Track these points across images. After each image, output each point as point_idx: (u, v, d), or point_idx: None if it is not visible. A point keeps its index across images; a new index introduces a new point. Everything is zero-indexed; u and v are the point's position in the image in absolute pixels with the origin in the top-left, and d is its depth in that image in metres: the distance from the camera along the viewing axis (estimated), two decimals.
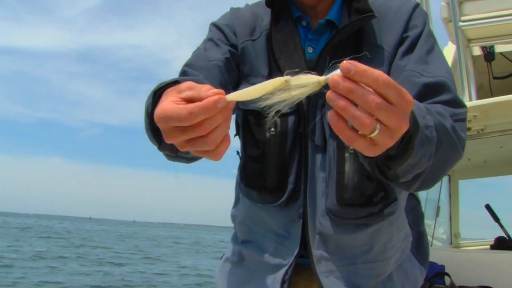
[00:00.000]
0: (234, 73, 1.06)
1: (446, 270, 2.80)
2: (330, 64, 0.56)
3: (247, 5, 1.17)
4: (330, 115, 0.56)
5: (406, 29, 1.00)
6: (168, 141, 0.60)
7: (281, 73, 1.00)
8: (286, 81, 0.57)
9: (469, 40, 2.76)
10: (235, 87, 1.06)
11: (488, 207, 3.70)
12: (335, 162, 0.97)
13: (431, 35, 1.00)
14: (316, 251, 1.00)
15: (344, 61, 0.53)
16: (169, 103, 0.58)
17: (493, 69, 3.12)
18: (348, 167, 0.96)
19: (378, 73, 0.54)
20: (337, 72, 0.54)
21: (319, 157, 0.99)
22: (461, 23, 2.64)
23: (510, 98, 2.34)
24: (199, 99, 0.57)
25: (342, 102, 0.54)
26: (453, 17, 2.66)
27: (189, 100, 0.58)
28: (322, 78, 0.56)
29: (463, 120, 0.88)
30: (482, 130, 2.74)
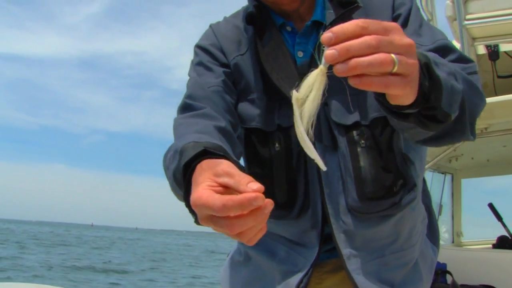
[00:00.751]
0: (234, 93, 1.04)
1: (448, 269, 2.81)
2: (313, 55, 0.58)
3: (225, 18, 1.13)
4: (351, 81, 0.56)
5: (394, 9, 1.00)
6: (203, 224, 0.60)
7: (274, 86, 0.99)
8: (297, 99, 0.57)
9: (473, 39, 2.76)
10: (236, 105, 1.04)
11: (491, 206, 3.70)
12: (349, 158, 0.97)
13: (418, 10, 1.01)
14: (345, 250, 0.99)
15: (322, 35, 0.55)
16: (206, 191, 0.57)
17: (497, 68, 3.11)
18: (363, 161, 0.96)
19: (352, 22, 0.55)
20: (326, 49, 0.56)
21: (330, 157, 0.98)
22: (466, 22, 2.63)
23: None
24: (237, 191, 0.56)
25: (351, 63, 0.54)
26: (458, 16, 2.66)
27: (226, 187, 0.58)
28: (321, 67, 0.58)
29: (475, 72, 0.88)
30: (486, 129, 2.74)
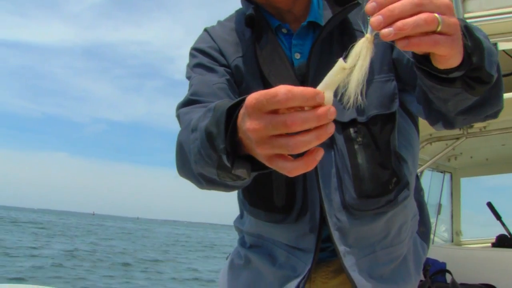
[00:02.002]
0: (237, 93, 1.01)
1: (448, 268, 2.80)
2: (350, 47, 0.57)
3: (219, 22, 1.12)
4: (400, 43, 0.56)
5: None
6: (259, 149, 0.57)
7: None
8: (343, 68, 0.56)
9: None
10: None
11: (489, 205, 3.70)
12: (346, 155, 0.97)
13: None
14: (340, 247, 0.99)
15: (366, 6, 0.56)
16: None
17: None
18: (360, 159, 0.96)
19: None
20: (371, 19, 0.56)
21: (325, 153, 0.97)
22: None
23: None
24: None
25: (397, 25, 0.54)
26: (456, 14, 2.64)
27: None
28: (367, 35, 0.57)
29: None
30: (484, 127, 2.74)
